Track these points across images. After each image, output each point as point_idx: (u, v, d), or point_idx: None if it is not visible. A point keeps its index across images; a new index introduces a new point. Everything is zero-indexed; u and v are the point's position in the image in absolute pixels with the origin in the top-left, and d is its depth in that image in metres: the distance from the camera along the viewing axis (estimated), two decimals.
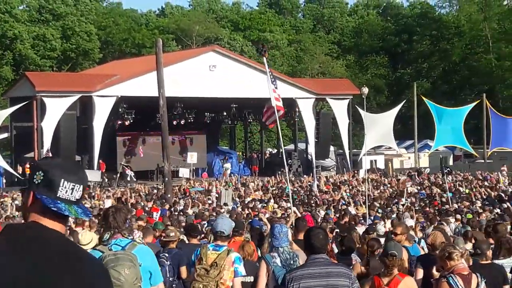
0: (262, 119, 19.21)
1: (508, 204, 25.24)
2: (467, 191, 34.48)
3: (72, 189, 3.17)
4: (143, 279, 6.16)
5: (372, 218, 20.04)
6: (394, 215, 20.75)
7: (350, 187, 37.77)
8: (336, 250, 11.63)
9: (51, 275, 3.01)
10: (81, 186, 3.22)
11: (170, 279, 9.68)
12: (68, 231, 11.09)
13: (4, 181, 42.06)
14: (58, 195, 3.13)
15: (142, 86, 41.92)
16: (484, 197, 32.00)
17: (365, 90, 35.34)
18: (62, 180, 3.15)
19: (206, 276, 7.60)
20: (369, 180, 39.81)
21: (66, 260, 3.11)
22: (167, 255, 9.79)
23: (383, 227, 13.97)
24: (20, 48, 73.36)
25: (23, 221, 3.25)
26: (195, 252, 8.36)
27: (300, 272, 6.25)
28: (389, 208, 24.57)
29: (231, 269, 7.85)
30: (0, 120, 41.83)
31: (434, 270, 8.16)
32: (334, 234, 14.73)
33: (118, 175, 44.47)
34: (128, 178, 43.50)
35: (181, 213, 23.09)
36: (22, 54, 73.53)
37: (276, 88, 20.73)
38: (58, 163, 3.28)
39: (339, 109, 52.31)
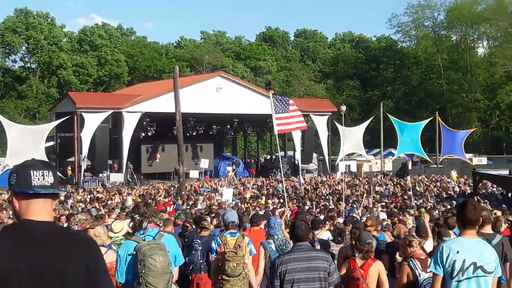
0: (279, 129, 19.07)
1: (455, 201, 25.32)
2: (422, 190, 34.49)
3: (43, 175, 3.20)
4: (171, 262, 6.14)
5: (347, 211, 20.09)
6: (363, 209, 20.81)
7: (329, 186, 37.75)
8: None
9: (51, 254, 3.09)
10: (50, 171, 3.24)
11: (200, 261, 9.58)
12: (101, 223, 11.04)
13: None
14: (33, 184, 3.17)
15: (162, 104, 41.65)
16: (436, 194, 32.17)
17: (344, 108, 35.61)
18: (31, 171, 3.19)
19: (236, 256, 7.60)
20: (345, 180, 39.99)
21: (58, 239, 3.17)
22: (199, 241, 9.68)
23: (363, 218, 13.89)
24: (64, 74, 73.27)
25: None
26: (215, 240, 8.39)
27: (288, 257, 6.20)
28: (360, 203, 24.58)
29: (247, 249, 7.94)
30: (47, 131, 42.08)
31: (397, 255, 8.20)
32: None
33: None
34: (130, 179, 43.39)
35: (193, 206, 23.10)
36: (65, 79, 73.36)
37: (284, 111, 20.48)
38: (25, 163, 3.30)
39: (320, 123, 52.32)
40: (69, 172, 43.21)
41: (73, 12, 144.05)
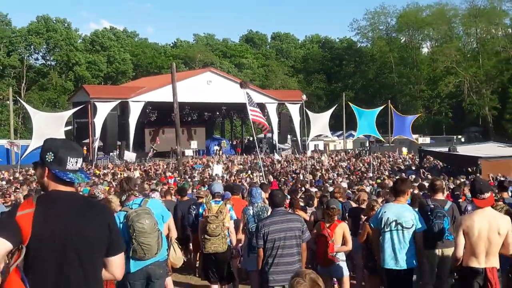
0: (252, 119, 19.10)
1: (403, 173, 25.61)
2: (378, 164, 34.73)
3: (76, 162, 3.21)
4: (158, 222, 6.16)
5: (316, 182, 20.15)
6: (331, 181, 20.86)
7: (301, 162, 37.87)
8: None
9: (78, 219, 3.12)
10: (80, 159, 3.25)
11: (196, 222, 9.61)
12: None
13: None
14: (67, 168, 3.17)
15: (162, 94, 41.75)
16: (389, 168, 32.40)
17: (304, 97, 36.02)
18: (68, 157, 3.17)
19: (216, 219, 7.65)
20: (314, 157, 40.16)
21: (82, 207, 3.22)
22: (194, 207, 9.80)
23: (332, 188, 13.88)
24: (79, 70, 73.38)
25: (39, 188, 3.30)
26: (202, 206, 8.42)
27: (269, 220, 6.22)
28: (328, 176, 24.69)
29: (228, 215, 7.95)
30: (66, 117, 42.10)
31: (362, 216, 8.22)
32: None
33: (150, 153, 44.95)
34: (148, 157, 43.66)
35: (189, 179, 23.11)
36: (80, 74, 73.36)
37: (255, 107, 20.59)
38: (62, 144, 3.28)
39: (294, 110, 52.45)
40: (85, 152, 43.25)
41: (86, 18, 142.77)
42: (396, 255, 6.19)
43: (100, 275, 3.22)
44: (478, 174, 23.39)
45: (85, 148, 43.54)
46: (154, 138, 47.91)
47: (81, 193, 9.71)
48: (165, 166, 34.81)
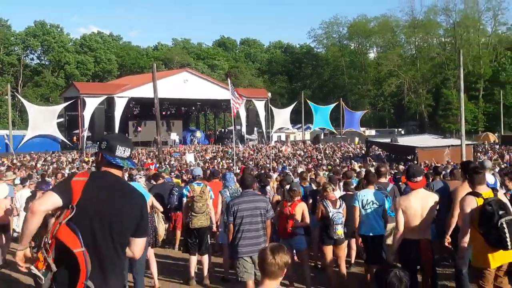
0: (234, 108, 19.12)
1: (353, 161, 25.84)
2: (331, 153, 35.04)
3: (124, 150, 3.34)
4: None
5: (280, 168, 20.23)
6: (291, 167, 20.97)
7: (266, 151, 37.94)
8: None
9: (119, 198, 3.25)
10: (129, 149, 3.39)
11: (176, 202, 9.70)
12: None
13: (60, 147, 41.24)
14: (116, 155, 3.31)
15: (144, 91, 41.29)
16: (341, 156, 32.75)
17: (269, 94, 36.12)
18: (118, 146, 3.32)
19: (202, 198, 7.68)
20: (277, 147, 40.32)
21: (125, 190, 3.36)
22: (177, 189, 9.84)
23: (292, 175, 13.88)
24: (69, 69, 72.12)
25: (94, 169, 3.41)
26: (186, 188, 8.42)
27: (238, 200, 6.26)
28: (288, 163, 24.81)
29: (209, 195, 7.98)
30: (58, 110, 41.58)
31: (318, 197, 8.32)
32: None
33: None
34: None
35: (168, 165, 22.98)
36: (70, 73, 72.07)
37: (235, 96, 20.54)
38: (116, 136, 3.48)
39: (259, 106, 52.45)
40: (75, 141, 42.92)
41: (76, 23, 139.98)
42: (374, 225, 6.94)
43: (124, 251, 3.28)
44: (415, 161, 23.89)
45: (75, 138, 43.16)
46: (136, 129, 47.63)
47: None
48: (146, 154, 34.51)
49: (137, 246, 3.33)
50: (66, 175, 14.93)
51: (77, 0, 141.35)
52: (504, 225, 4.88)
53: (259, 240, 6.14)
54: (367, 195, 7.04)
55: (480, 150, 32.69)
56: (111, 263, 3.15)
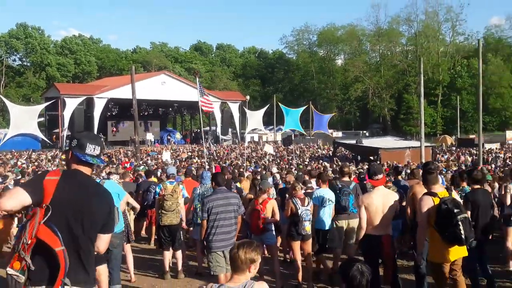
0: (203, 109, 18.87)
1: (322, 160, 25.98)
2: (300, 153, 35.20)
3: (94, 148, 3.25)
4: (114, 199, 6.09)
5: (252, 168, 20.21)
6: (263, 166, 20.95)
7: (239, 150, 37.92)
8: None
9: (89, 196, 3.17)
10: (99, 147, 3.30)
11: (152, 199, 9.55)
12: None
13: (40, 145, 40.50)
14: (86, 152, 3.22)
15: (122, 92, 40.87)
16: (309, 156, 32.97)
17: (247, 97, 35.95)
18: (88, 144, 3.23)
19: (172, 197, 7.61)
20: (250, 147, 40.31)
21: (95, 189, 3.29)
22: (154, 186, 9.61)
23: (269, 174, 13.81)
24: (50, 70, 70.92)
25: (66, 168, 3.29)
26: (158, 186, 8.33)
27: (212, 197, 6.22)
28: (261, 162, 24.80)
29: (181, 194, 7.93)
30: (39, 110, 40.96)
31: (287, 195, 8.33)
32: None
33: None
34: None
35: (145, 164, 22.74)
36: (51, 74, 70.78)
37: (205, 95, 20.41)
38: (86, 134, 3.36)
39: (234, 108, 52.55)
40: (54, 140, 42.29)
41: (57, 26, 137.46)
42: (327, 221, 7.41)
43: (93, 246, 3.21)
44: (378, 162, 24.17)
45: (54, 136, 42.45)
46: (116, 129, 47.15)
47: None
48: (123, 153, 34.09)
49: (103, 242, 3.27)
50: None
51: (58, 4, 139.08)
52: (459, 223, 4.98)
53: (231, 235, 6.14)
54: (324, 193, 7.37)
55: (438, 151, 33.33)
56: (86, 258, 3.10)
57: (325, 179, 7.62)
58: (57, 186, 3.04)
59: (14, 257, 2.92)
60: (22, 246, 2.90)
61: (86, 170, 3.26)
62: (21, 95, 67.31)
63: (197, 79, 19.45)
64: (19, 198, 2.96)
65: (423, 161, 21.42)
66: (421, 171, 6.57)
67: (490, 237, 6.76)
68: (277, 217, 7.18)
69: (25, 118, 38.37)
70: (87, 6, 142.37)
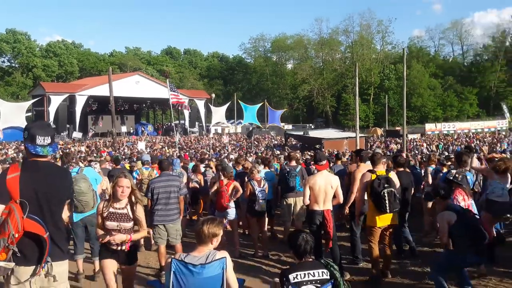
0: (172, 102, 18.55)
1: (275, 149, 26.12)
2: (257, 143, 35.26)
3: (44, 139, 3.03)
4: (92, 184, 6.03)
5: (215, 155, 20.08)
6: (226, 154, 20.90)
7: (206, 141, 37.65)
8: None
9: (51, 177, 3.04)
10: (49, 137, 3.06)
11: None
12: None
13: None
14: (37, 143, 3.02)
15: (101, 90, 39.85)
16: (265, 145, 33.07)
17: (213, 95, 35.62)
18: (37, 135, 3.02)
19: (148, 178, 7.54)
20: (214, 138, 40.04)
21: (52, 170, 3.10)
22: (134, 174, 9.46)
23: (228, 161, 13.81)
24: (36, 71, 68.01)
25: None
26: (135, 172, 8.18)
27: (156, 179, 6.36)
28: (224, 151, 24.71)
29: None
30: (26, 106, 39.14)
31: (246, 178, 8.34)
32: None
33: (89, 134, 42.94)
34: (88, 136, 41.89)
35: (121, 153, 22.21)
36: (37, 74, 67.84)
37: (175, 92, 20.08)
38: (36, 125, 3.13)
39: (200, 104, 52.09)
40: None
41: (43, 32, 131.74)
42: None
43: (61, 221, 3.11)
44: (322, 150, 24.58)
45: None
46: (96, 123, 45.94)
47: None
48: (101, 143, 33.22)
49: (66, 211, 3.21)
50: None
51: (45, 12, 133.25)
52: (385, 194, 5.31)
53: (172, 212, 6.23)
54: (266, 175, 7.96)
55: (370, 141, 34.19)
56: (57, 235, 3.00)
57: (266, 163, 8.49)
58: (19, 181, 2.89)
59: (0, 251, 2.79)
60: (10, 240, 2.78)
61: (42, 158, 3.06)
62: (10, 93, 64.35)
63: (167, 79, 19.12)
64: None
65: (357, 148, 21.85)
66: (355, 156, 6.75)
67: (410, 210, 7.01)
68: (240, 193, 7.19)
69: (14, 114, 36.73)
70: (71, 15, 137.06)
